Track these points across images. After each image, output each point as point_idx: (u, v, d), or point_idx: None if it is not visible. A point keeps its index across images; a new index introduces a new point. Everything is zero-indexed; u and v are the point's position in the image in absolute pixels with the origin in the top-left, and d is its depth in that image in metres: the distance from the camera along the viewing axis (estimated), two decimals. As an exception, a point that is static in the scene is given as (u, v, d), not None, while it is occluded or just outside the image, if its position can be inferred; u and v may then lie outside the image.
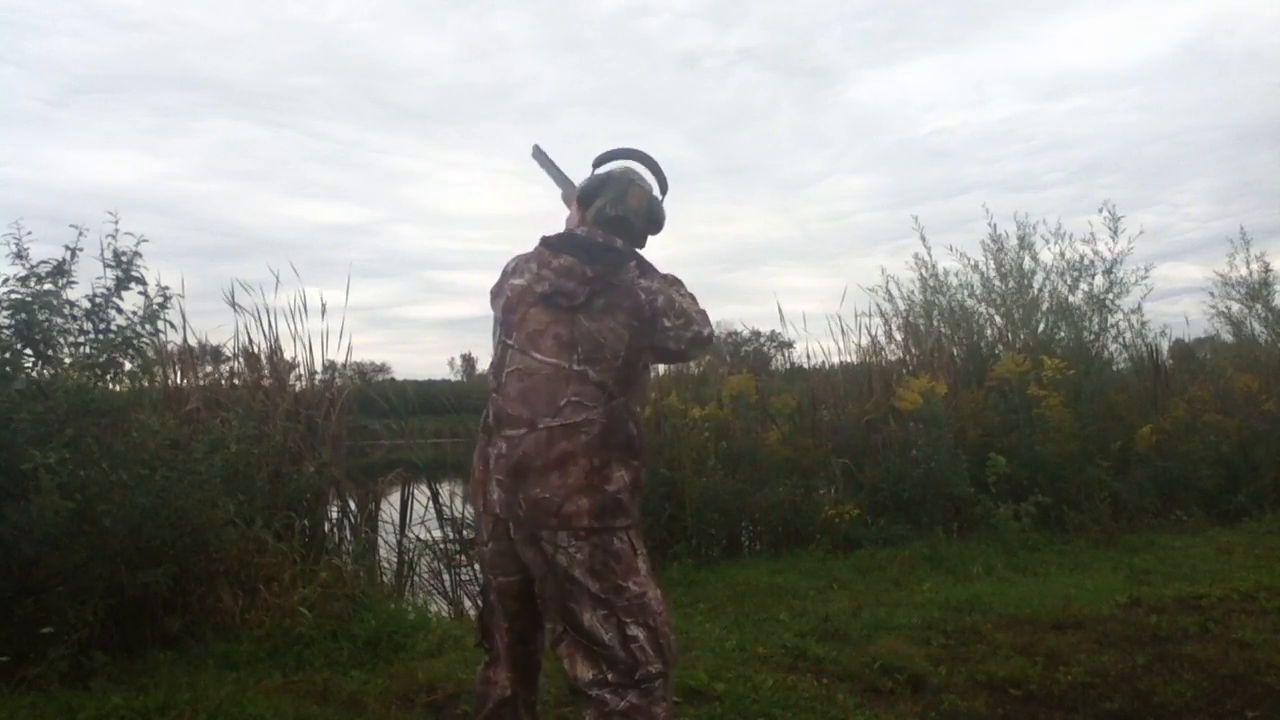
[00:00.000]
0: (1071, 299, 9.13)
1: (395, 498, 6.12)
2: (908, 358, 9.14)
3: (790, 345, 13.71)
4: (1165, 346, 10.18)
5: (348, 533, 5.76)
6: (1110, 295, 9.09)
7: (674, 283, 2.28)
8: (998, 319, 9.36)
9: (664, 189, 2.33)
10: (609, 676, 2.05)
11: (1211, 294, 11.76)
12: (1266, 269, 11.32)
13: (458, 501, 6.28)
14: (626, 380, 2.10)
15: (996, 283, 9.34)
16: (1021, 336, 9.00)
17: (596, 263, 2.11)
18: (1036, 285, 9.23)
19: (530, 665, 2.28)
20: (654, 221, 2.31)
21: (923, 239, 9.54)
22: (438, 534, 6.12)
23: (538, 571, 2.09)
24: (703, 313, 2.26)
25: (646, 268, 2.20)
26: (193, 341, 6.07)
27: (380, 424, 6.99)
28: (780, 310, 12.04)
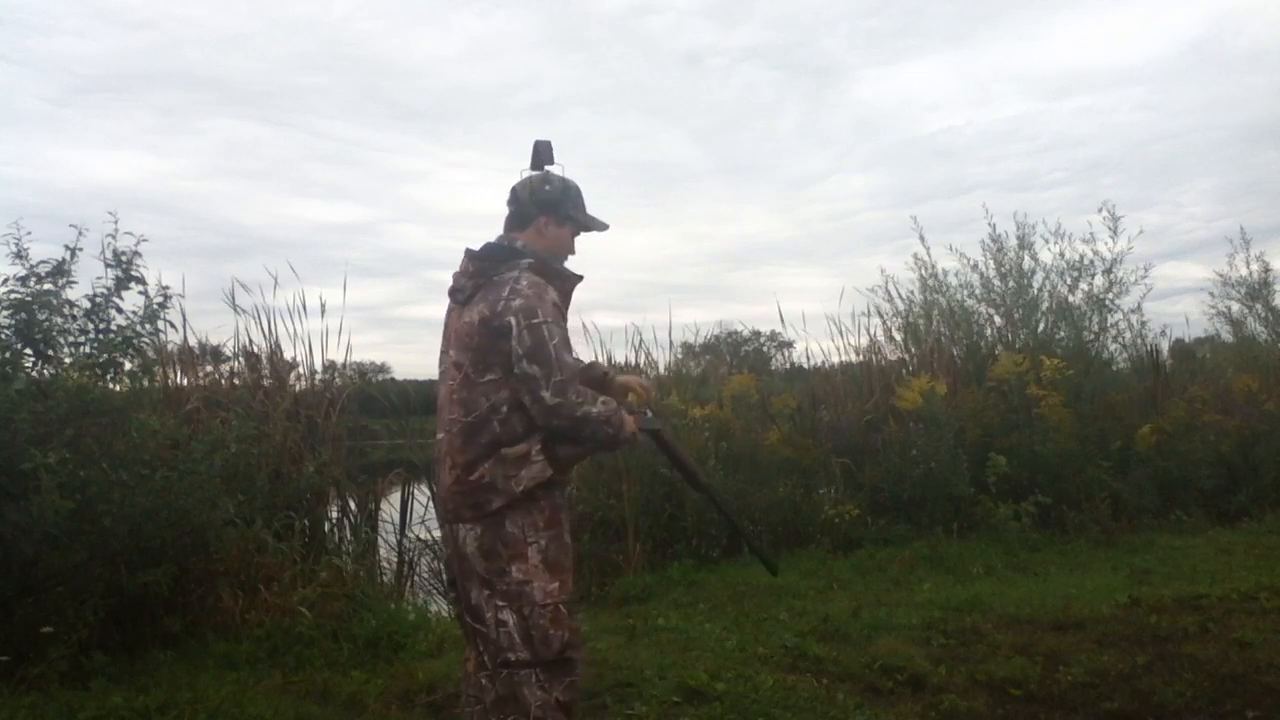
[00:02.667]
0: (1071, 299, 9.12)
1: (395, 498, 6.12)
2: (907, 358, 9.14)
3: (790, 345, 13.69)
4: (1165, 346, 10.18)
5: (348, 533, 5.77)
6: (1110, 295, 9.08)
7: (553, 315, 2.19)
8: (997, 319, 9.35)
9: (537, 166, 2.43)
10: (485, 660, 2.20)
11: (1211, 294, 11.76)
12: (1266, 269, 11.32)
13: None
14: (484, 366, 2.19)
15: (996, 283, 9.32)
16: (1021, 336, 8.99)
17: (478, 259, 2.30)
18: (1036, 285, 9.21)
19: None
20: (550, 199, 2.37)
21: (922, 239, 9.54)
22: (438, 534, 6.12)
23: (453, 550, 2.29)
24: (569, 372, 2.15)
25: (549, 272, 2.29)
26: (193, 341, 6.08)
27: (380, 424, 7.00)
28: (780, 310, 12.04)
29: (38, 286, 3.94)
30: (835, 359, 9.25)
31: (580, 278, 2.43)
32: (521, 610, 2.15)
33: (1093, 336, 9.15)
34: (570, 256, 2.45)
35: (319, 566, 4.76)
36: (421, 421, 7.18)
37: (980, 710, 3.27)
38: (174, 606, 4.08)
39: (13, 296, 3.88)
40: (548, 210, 2.34)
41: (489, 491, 2.16)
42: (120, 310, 4.16)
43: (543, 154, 2.38)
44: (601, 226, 2.46)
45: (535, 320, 2.15)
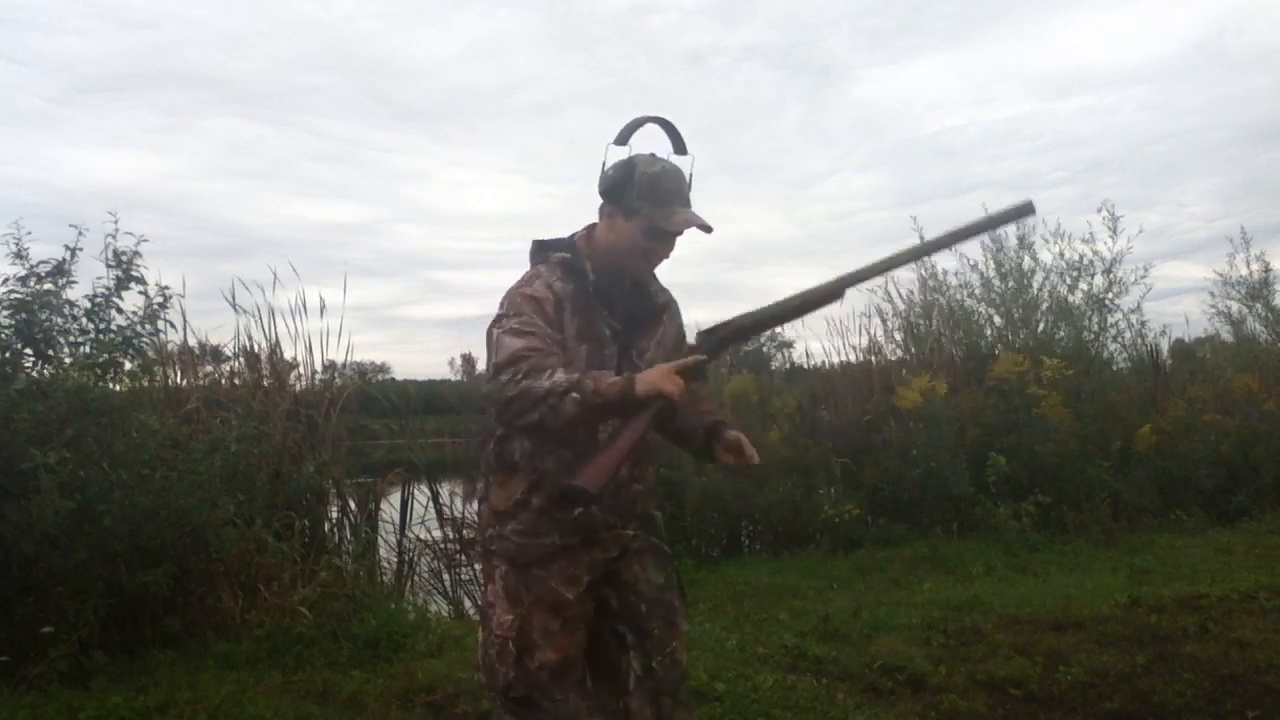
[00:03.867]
0: (1071, 299, 9.12)
1: (395, 498, 6.12)
2: (907, 357, 9.14)
3: (790, 345, 13.63)
4: (1165, 346, 10.18)
5: (348, 533, 5.76)
6: (1110, 295, 9.08)
7: (515, 306, 1.89)
8: (997, 319, 9.36)
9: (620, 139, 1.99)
10: None
11: (1212, 294, 11.75)
12: (1266, 269, 11.31)
13: (458, 501, 6.28)
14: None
15: (996, 283, 9.33)
16: (1021, 336, 8.99)
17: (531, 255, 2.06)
18: (1036, 285, 9.22)
19: None
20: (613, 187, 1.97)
21: (921, 239, 9.53)
22: (438, 534, 6.13)
23: None
24: (504, 356, 1.82)
25: (572, 269, 1.97)
26: (193, 341, 6.08)
27: (380, 424, 6.99)
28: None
29: (38, 286, 3.94)
30: (835, 359, 9.26)
31: (589, 280, 1.96)
32: (483, 636, 2.00)
33: (1093, 336, 9.15)
34: (651, 259, 1.99)
35: (319, 566, 4.76)
36: (422, 421, 7.18)
37: (980, 710, 3.27)
38: (174, 606, 4.08)
39: (13, 296, 3.89)
40: (610, 199, 1.97)
41: (488, 521, 2.01)
42: (120, 310, 4.17)
43: (621, 131, 1.97)
44: (682, 225, 1.93)
45: (496, 315, 1.90)
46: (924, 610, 4.62)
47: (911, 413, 7.39)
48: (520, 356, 1.80)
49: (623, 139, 1.96)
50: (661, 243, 1.97)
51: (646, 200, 1.91)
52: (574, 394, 1.75)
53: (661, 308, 2.12)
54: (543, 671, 1.92)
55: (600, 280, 1.96)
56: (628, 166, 1.94)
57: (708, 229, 1.95)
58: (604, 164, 1.96)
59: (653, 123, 1.99)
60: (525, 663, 1.92)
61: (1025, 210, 1.89)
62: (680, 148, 1.99)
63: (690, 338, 2.11)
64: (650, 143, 2.00)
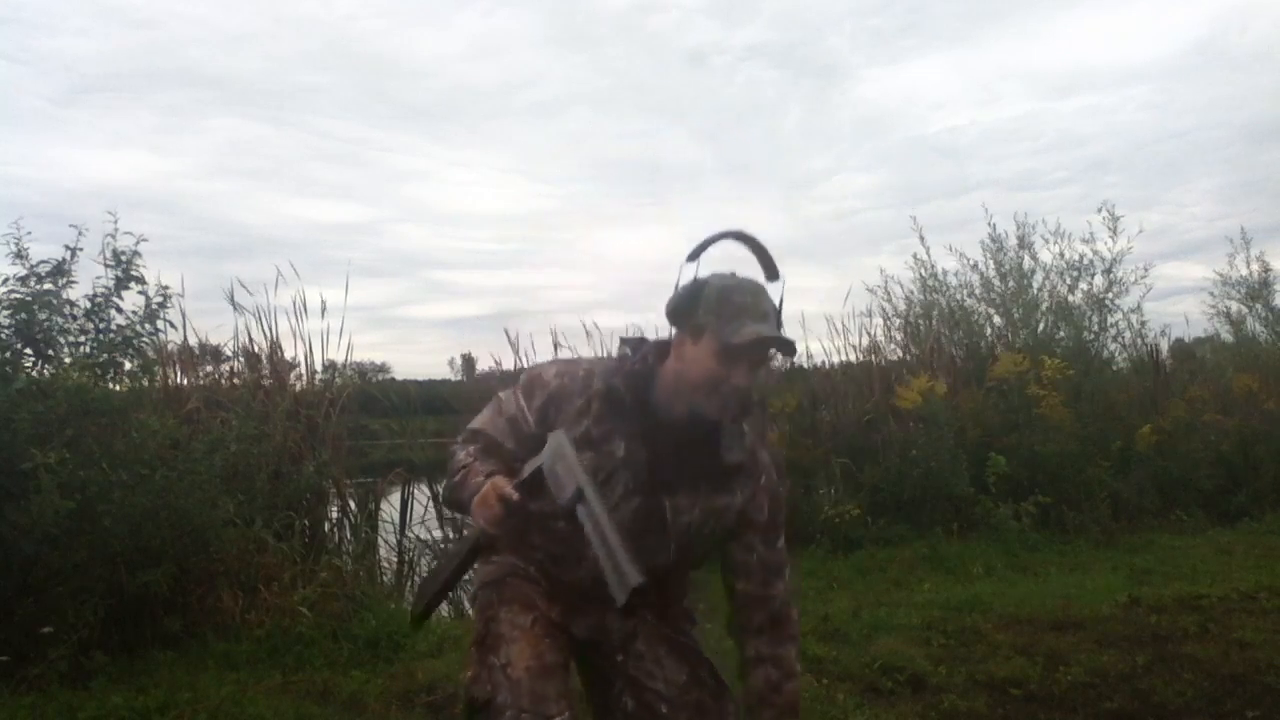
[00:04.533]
0: (1071, 299, 9.12)
1: (395, 498, 6.12)
2: (908, 357, 9.14)
3: (790, 345, 13.56)
4: (1165, 346, 10.19)
5: (348, 533, 5.76)
6: (1110, 295, 9.08)
7: (519, 384, 1.82)
8: (997, 319, 9.36)
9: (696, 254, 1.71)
10: None
11: (1211, 294, 11.76)
12: (1266, 269, 11.32)
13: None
14: None
15: (996, 283, 9.33)
16: (1021, 336, 9.00)
17: None
18: (1036, 285, 9.22)
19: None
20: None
21: (921, 239, 9.52)
22: (438, 534, 6.12)
23: None
24: (471, 422, 1.83)
25: (603, 362, 1.88)
26: (193, 341, 6.07)
27: (380, 424, 6.99)
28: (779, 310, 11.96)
29: (38, 286, 3.94)
30: (835, 359, 9.25)
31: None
32: None
33: (1093, 336, 9.15)
34: (721, 391, 1.62)
35: (319, 566, 4.76)
36: (422, 422, 7.17)
37: (980, 710, 3.27)
38: (174, 606, 4.08)
39: (13, 296, 3.89)
40: (677, 321, 1.68)
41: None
42: (120, 310, 4.17)
43: (696, 247, 1.68)
44: (752, 338, 1.59)
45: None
46: (924, 610, 4.62)
47: (911, 413, 7.39)
48: (474, 430, 1.80)
49: (695, 255, 1.68)
50: (733, 368, 1.61)
51: (714, 314, 1.60)
52: (452, 481, 1.74)
53: (731, 469, 1.72)
54: (511, 669, 1.63)
55: (652, 413, 1.69)
56: (699, 283, 1.65)
57: (790, 350, 1.67)
58: (677, 284, 1.67)
59: (734, 239, 1.70)
60: (489, 659, 1.67)
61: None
62: (772, 273, 1.69)
63: None
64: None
